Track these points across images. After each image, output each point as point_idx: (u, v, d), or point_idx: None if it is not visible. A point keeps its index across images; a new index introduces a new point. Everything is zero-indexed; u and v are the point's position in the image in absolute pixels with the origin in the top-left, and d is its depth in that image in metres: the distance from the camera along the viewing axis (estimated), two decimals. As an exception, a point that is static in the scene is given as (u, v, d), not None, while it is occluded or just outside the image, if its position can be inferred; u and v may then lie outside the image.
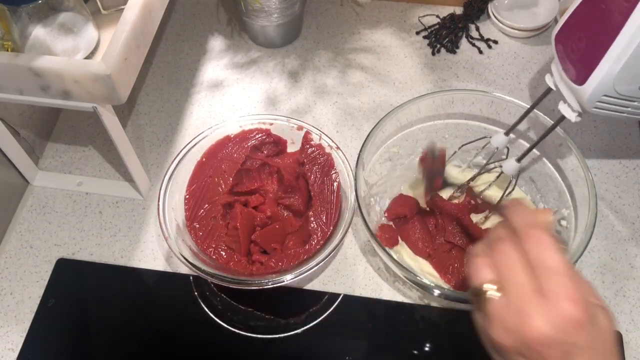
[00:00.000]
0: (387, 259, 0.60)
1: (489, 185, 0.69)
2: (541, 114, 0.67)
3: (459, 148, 0.71)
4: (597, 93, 0.51)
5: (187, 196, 0.67)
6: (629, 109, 0.54)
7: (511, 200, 0.58)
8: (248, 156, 0.69)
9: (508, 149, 0.68)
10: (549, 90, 0.60)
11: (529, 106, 0.64)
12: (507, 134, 0.65)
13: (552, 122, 0.60)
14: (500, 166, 0.66)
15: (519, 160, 0.64)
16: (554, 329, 0.36)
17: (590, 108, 0.53)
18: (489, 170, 0.69)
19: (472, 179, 0.69)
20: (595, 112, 0.54)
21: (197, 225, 0.66)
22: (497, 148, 0.67)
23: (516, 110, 0.67)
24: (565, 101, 0.56)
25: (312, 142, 0.69)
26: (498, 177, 0.67)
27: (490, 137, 0.67)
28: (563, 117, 0.58)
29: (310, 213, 0.66)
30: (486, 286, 0.40)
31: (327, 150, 0.69)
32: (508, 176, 0.66)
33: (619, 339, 0.64)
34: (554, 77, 0.57)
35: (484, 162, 0.69)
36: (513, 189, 0.67)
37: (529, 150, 0.64)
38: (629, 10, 0.47)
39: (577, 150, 0.64)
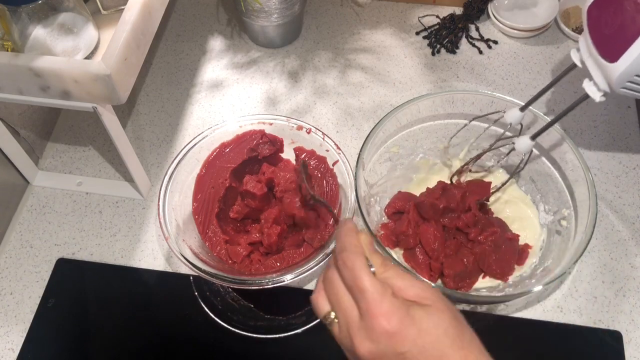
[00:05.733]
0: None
1: (500, 161, 0.68)
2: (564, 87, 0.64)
3: (470, 121, 0.69)
4: (629, 72, 0.48)
5: (195, 213, 0.67)
6: None
7: (341, 220, 0.55)
8: (245, 161, 0.69)
9: (522, 125, 0.66)
10: (573, 66, 0.56)
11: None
12: (522, 109, 0.63)
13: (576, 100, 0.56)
14: (513, 143, 0.63)
15: (533, 137, 0.60)
16: (376, 345, 0.40)
17: (619, 88, 0.50)
18: (497, 148, 0.68)
19: (479, 156, 0.68)
20: (622, 93, 0.51)
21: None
22: (511, 124, 0.64)
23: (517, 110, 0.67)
24: (591, 78, 0.53)
25: (303, 148, 0.69)
26: (509, 153, 0.66)
27: (504, 112, 0.65)
28: (587, 96, 0.54)
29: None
30: (325, 317, 0.44)
31: (326, 150, 0.69)
32: (520, 153, 0.63)
33: (619, 338, 0.64)
34: (580, 52, 0.54)
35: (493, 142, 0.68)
36: (524, 166, 0.65)
37: (546, 128, 0.60)
38: None
39: (577, 150, 0.64)
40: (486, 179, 0.71)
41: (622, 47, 0.48)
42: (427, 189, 0.70)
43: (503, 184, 0.66)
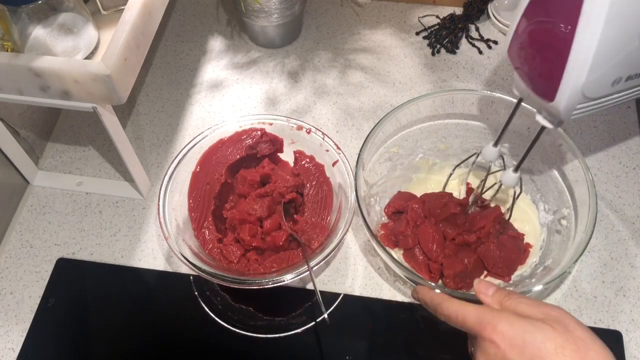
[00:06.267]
0: (388, 259, 0.60)
1: (492, 198, 0.69)
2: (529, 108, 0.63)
3: (453, 170, 0.71)
4: (570, 106, 0.47)
5: (190, 211, 0.67)
6: (611, 101, 0.49)
7: (414, 290, 0.57)
8: (243, 158, 0.69)
9: (503, 158, 0.66)
10: (522, 99, 0.56)
11: (528, 106, 0.64)
12: (495, 144, 0.62)
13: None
14: (500, 182, 0.63)
15: (515, 170, 0.59)
16: (486, 357, 0.46)
17: (569, 118, 0.49)
18: (490, 186, 0.68)
19: (476, 201, 0.69)
20: (576, 118, 0.50)
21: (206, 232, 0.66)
22: (491, 162, 0.64)
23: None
24: (540, 112, 0.52)
25: (304, 153, 0.70)
26: (498, 190, 0.67)
27: (479, 152, 0.64)
28: (543, 128, 0.53)
29: (307, 215, 0.67)
30: None
31: (326, 150, 0.69)
32: (509, 187, 0.63)
33: (619, 338, 0.64)
34: (520, 91, 0.53)
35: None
36: (518, 196, 0.66)
37: (521, 162, 0.59)
38: (575, 15, 0.42)
39: (577, 150, 0.64)
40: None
41: (552, 86, 0.47)
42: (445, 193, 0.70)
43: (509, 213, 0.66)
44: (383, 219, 0.70)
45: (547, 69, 0.47)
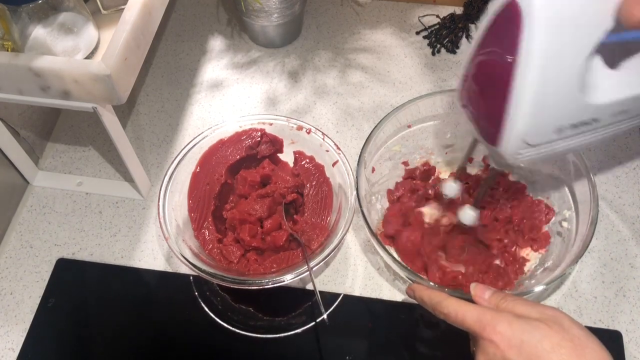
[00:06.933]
0: (388, 258, 0.60)
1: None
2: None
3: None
4: (513, 151, 0.47)
5: (190, 211, 0.67)
6: (558, 147, 0.48)
7: (409, 288, 0.58)
8: (243, 158, 0.69)
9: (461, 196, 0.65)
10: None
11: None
12: (457, 178, 0.62)
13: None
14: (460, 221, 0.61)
15: (475, 207, 0.60)
16: (486, 356, 0.47)
17: (518, 163, 0.49)
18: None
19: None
20: (527, 163, 0.49)
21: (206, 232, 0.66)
22: (452, 196, 0.63)
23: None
24: (491, 156, 0.52)
25: (304, 154, 0.70)
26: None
27: (440, 184, 0.64)
28: (495, 170, 0.53)
29: (307, 215, 0.67)
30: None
31: (326, 151, 0.69)
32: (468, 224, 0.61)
33: (619, 338, 0.64)
34: (471, 132, 0.53)
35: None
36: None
37: (480, 199, 0.60)
38: (511, 68, 0.43)
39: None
40: None
41: (495, 133, 0.46)
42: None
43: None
44: (384, 216, 0.70)
45: (489, 117, 0.47)
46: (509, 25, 0.43)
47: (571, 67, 0.43)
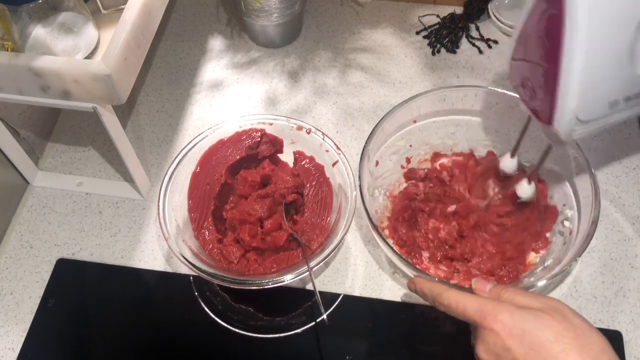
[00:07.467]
0: (388, 251, 0.60)
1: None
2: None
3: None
4: (567, 129, 0.47)
5: (190, 211, 0.67)
6: (611, 120, 0.49)
7: (409, 282, 0.58)
8: (243, 158, 0.69)
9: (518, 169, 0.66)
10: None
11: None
12: (512, 155, 0.63)
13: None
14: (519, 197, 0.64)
15: (529, 182, 0.62)
16: (486, 345, 0.47)
17: (571, 140, 0.50)
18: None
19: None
20: (581, 137, 0.50)
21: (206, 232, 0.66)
22: (511, 172, 0.65)
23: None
24: (545, 133, 0.52)
25: (304, 155, 0.70)
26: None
27: (500, 158, 0.66)
28: (550, 146, 0.54)
29: (307, 216, 0.67)
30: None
31: (326, 151, 0.69)
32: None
33: (619, 338, 0.64)
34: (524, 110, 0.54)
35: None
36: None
37: (538, 167, 0.61)
38: (558, 43, 0.43)
39: (579, 148, 0.64)
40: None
41: (548, 112, 0.47)
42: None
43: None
44: (386, 212, 0.70)
45: (540, 95, 0.47)
46: None
47: (620, 38, 0.42)
